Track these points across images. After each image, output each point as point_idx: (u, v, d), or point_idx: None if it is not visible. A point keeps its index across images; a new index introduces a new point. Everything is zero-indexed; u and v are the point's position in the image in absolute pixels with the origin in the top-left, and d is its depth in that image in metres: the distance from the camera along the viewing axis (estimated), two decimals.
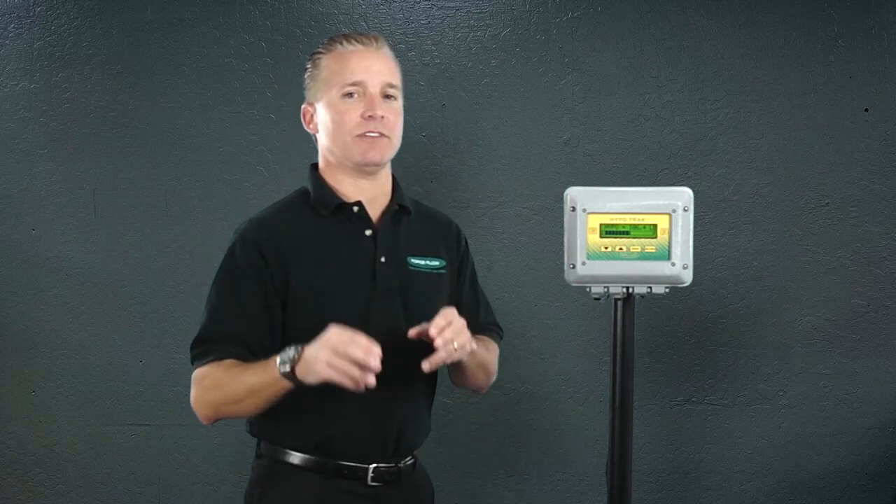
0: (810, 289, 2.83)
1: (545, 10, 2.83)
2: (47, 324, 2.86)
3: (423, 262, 1.90)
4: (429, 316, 1.87)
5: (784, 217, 2.83)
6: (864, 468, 2.87)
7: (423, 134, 2.82)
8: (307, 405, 1.77)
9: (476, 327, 2.01)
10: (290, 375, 1.65)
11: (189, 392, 1.80)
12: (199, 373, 1.78)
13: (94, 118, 2.85)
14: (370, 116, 1.79)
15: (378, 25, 2.82)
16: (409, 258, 1.88)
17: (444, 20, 2.84)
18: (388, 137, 1.83)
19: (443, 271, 1.93)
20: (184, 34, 2.83)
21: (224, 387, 1.74)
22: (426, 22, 2.84)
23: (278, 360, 1.66)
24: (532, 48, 2.83)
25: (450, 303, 1.92)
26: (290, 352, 1.65)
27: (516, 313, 2.83)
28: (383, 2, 2.84)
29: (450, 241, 1.98)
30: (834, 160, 2.82)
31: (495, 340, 2.07)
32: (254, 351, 1.77)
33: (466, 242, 2.04)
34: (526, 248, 2.84)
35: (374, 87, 1.81)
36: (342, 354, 1.60)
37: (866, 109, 2.82)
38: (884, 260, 2.84)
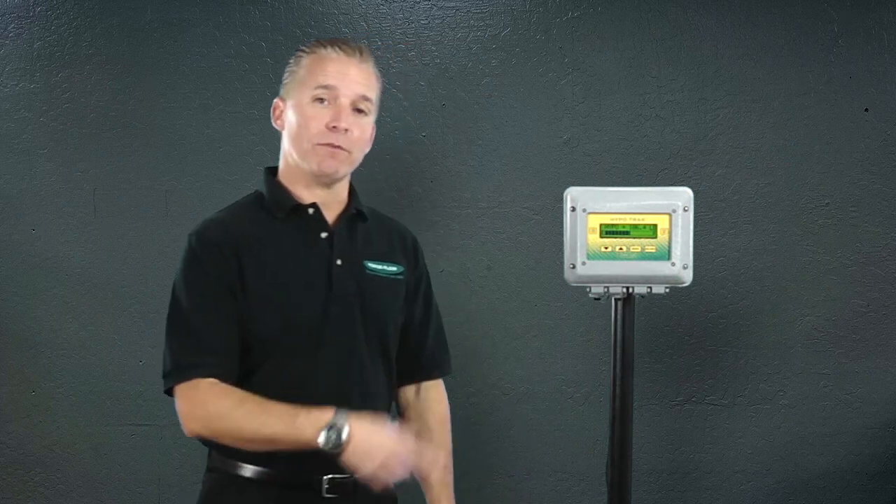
0: (810, 289, 2.83)
1: (545, 10, 2.83)
2: (47, 324, 2.86)
3: (380, 267, 1.86)
4: (386, 321, 1.86)
5: (784, 217, 2.83)
6: (864, 468, 2.87)
7: (423, 134, 2.82)
8: None
9: (421, 360, 1.98)
10: (338, 453, 1.62)
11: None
12: (196, 396, 1.74)
13: (94, 118, 2.85)
14: (334, 127, 1.76)
15: (378, 25, 2.82)
16: (366, 262, 1.85)
17: (444, 20, 2.84)
18: (349, 152, 1.80)
19: (400, 277, 1.90)
20: (184, 34, 2.83)
21: (236, 421, 1.68)
22: (426, 22, 2.84)
23: (322, 435, 1.62)
24: (532, 48, 2.83)
25: (401, 315, 1.90)
26: (335, 433, 1.62)
27: (516, 313, 2.83)
28: (383, 2, 2.84)
29: (407, 252, 1.95)
30: (834, 160, 2.82)
31: (443, 386, 2.04)
32: (231, 357, 1.75)
33: (423, 256, 2.00)
34: (526, 248, 2.84)
35: (346, 98, 1.78)
36: (391, 467, 1.64)
37: (866, 109, 2.82)
38: (884, 260, 2.84)
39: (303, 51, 1.85)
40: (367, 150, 1.88)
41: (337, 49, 1.81)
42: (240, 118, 2.84)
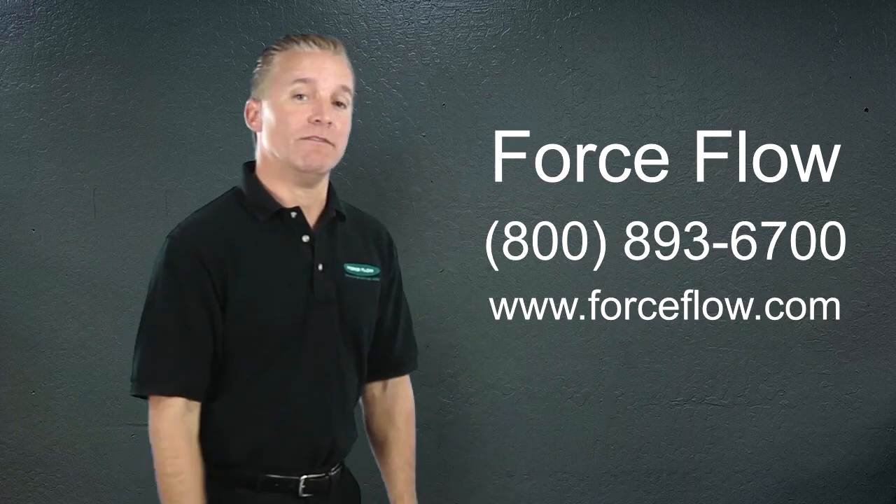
0: (810, 289, 2.84)
1: (545, 10, 2.83)
2: (47, 324, 2.86)
3: (358, 270, 1.85)
4: (362, 323, 1.85)
5: (784, 217, 2.83)
6: (864, 468, 2.87)
7: (423, 134, 2.82)
8: (238, 417, 1.75)
9: (390, 358, 1.97)
10: None
11: None
12: (160, 414, 1.72)
13: (94, 118, 2.85)
14: (317, 121, 1.74)
15: (378, 25, 2.82)
16: (345, 265, 1.83)
17: (444, 20, 2.84)
18: (333, 145, 1.77)
19: (377, 279, 1.89)
20: (184, 34, 2.83)
21: (158, 469, 1.73)
22: (426, 22, 2.84)
23: None
24: (532, 48, 2.83)
25: (375, 315, 1.90)
26: None
27: (516, 313, 2.83)
28: (383, 2, 2.84)
29: (383, 252, 1.94)
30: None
31: (409, 381, 2.02)
32: (199, 370, 1.73)
33: (397, 253, 1.99)
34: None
35: (325, 91, 1.76)
36: None
37: (866, 109, 2.82)
38: (884, 260, 2.84)
39: (273, 49, 1.82)
40: (346, 144, 1.86)
41: (310, 43, 1.79)
42: (240, 118, 2.79)
